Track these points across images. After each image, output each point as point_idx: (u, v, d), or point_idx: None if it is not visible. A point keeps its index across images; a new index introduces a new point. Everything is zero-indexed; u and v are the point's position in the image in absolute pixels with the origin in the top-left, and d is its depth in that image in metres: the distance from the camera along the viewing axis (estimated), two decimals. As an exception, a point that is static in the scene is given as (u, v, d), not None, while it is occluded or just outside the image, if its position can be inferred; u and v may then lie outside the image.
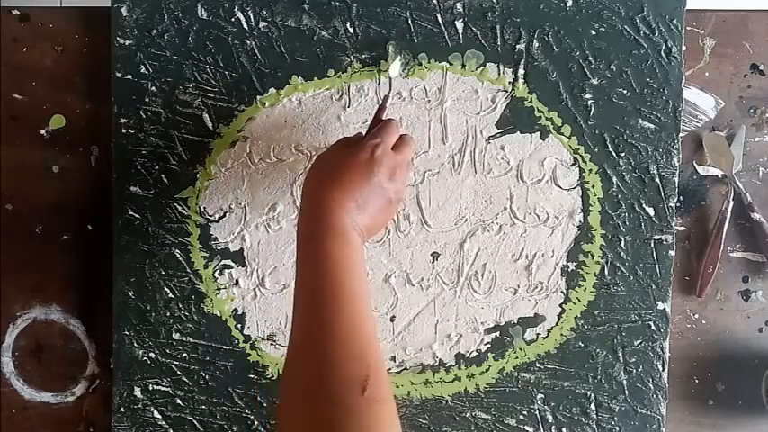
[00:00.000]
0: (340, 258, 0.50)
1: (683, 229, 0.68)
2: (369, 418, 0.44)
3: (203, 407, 0.66)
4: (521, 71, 0.65)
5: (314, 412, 0.45)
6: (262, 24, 0.65)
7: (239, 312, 0.66)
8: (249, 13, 0.65)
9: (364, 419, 0.44)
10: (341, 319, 0.48)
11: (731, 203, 0.66)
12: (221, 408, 0.66)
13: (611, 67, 0.65)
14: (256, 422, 0.66)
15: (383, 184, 0.53)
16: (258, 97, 0.65)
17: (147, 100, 0.65)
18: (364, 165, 0.53)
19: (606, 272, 0.65)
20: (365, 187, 0.52)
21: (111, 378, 0.67)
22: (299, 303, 0.50)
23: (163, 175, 0.66)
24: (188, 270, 0.66)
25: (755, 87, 0.67)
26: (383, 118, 0.60)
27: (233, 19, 0.65)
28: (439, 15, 0.65)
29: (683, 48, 0.64)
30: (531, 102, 0.65)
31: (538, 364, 0.66)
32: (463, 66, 0.65)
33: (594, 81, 0.65)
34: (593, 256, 0.65)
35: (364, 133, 0.59)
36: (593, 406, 0.66)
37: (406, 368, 0.66)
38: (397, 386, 0.66)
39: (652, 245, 0.65)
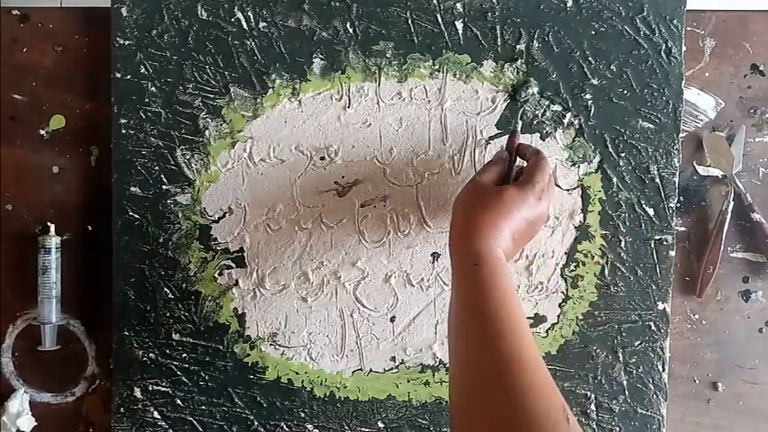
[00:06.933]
0: (509, 289, 0.51)
1: (683, 229, 0.68)
2: None
3: (203, 407, 0.66)
4: (521, 71, 0.65)
5: None
6: (262, 24, 0.65)
7: (239, 312, 0.66)
8: (249, 14, 0.65)
9: None
10: (528, 347, 0.47)
11: (731, 204, 0.66)
12: (221, 408, 0.66)
13: (612, 67, 0.64)
14: (256, 423, 0.66)
15: (538, 223, 0.57)
16: (258, 97, 0.65)
17: (146, 100, 0.65)
18: (531, 206, 0.55)
19: (606, 272, 0.65)
20: (525, 227, 0.56)
21: (110, 378, 0.67)
22: (468, 332, 0.50)
23: (163, 175, 0.65)
24: (188, 270, 0.66)
25: (755, 87, 0.67)
26: (519, 141, 0.62)
27: (233, 19, 0.65)
28: (439, 15, 0.65)
29: (683, 48, 0.64)
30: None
31: (538, 365, 0.66)
32: (463, 65, 0.65)
33: (594, 81, 0.65)
34: (593, 257, 0.65)
35: (505, 159, 0.60)
36: (593, 406, 0.66)
37: (406, 368, 0.66)
38: (397, 386, 0.66)
39: (652, 245, 0.65)
